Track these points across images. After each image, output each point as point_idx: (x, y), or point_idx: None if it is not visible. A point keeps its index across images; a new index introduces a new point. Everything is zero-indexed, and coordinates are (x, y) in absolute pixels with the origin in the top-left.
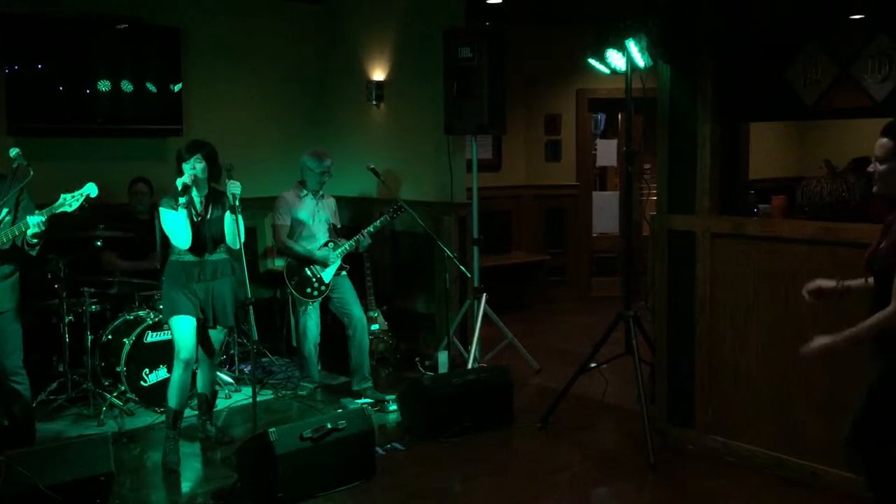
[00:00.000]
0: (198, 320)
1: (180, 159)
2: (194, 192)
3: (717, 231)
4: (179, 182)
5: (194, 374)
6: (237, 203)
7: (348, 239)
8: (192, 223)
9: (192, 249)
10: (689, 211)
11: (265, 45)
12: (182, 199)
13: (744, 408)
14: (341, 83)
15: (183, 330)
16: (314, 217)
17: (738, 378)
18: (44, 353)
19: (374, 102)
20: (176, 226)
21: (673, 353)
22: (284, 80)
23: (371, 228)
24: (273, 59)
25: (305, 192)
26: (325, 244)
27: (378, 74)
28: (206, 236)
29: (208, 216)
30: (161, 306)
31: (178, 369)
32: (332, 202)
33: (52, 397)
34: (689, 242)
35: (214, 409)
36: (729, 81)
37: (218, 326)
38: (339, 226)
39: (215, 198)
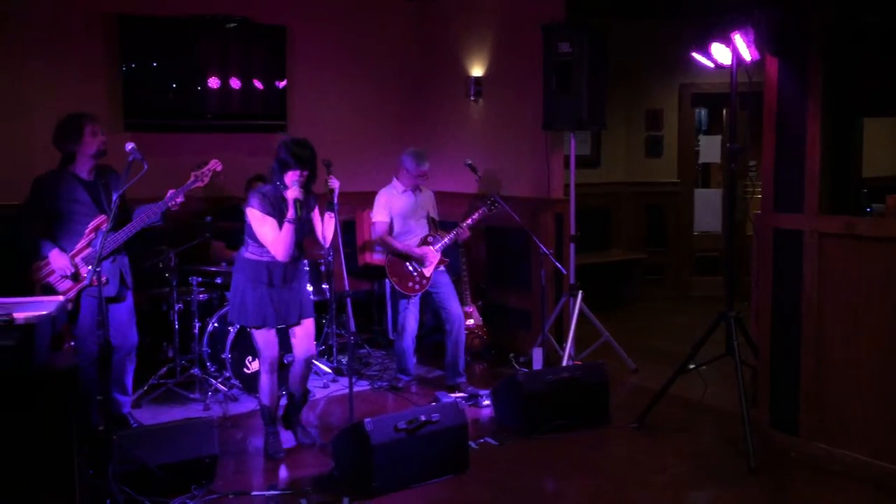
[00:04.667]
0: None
1: (285, 163)
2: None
3: (825, 231)
4: (293, 199)
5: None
6: (335, 200)
7: (447, 232)
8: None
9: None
10: (796, 209)
11: (367, 42)
12: (294, 215)
13: (852, 415)
14: (441, 79)
15: (264, 337)
16: (413, 212)
17: (848, 384)
18: (155, 338)
19: (472, 98)
20: (281, 239)
21: (777, 355)
22: (385, 76)
23: (470, 221)
24: (375, 56)
25: (403, 188)
26: (425, 238)
27: (477, 70)
28: (297, 240)
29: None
30: (230, 303)
31: (263, 373)
32: (430, 194)
33: (162, 381)
34: (796, 242)
35: (312, 398)
36: (842, 75)
37: (302, 321)
38: (437, 218)
39: (306, 199)
